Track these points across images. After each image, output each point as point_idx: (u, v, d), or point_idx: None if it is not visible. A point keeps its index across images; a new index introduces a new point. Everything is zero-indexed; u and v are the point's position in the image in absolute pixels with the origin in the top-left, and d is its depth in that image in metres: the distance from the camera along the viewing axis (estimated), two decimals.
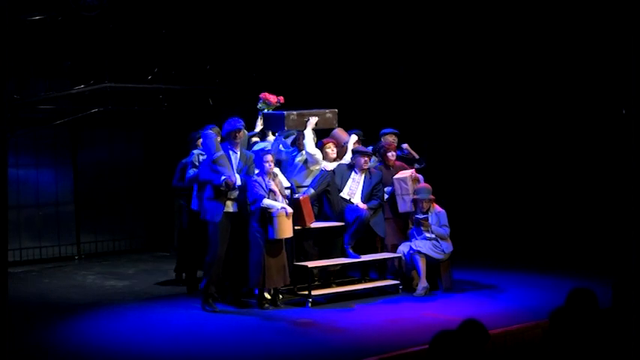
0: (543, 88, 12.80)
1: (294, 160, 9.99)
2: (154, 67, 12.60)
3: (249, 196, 9.03)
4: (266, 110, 10.01)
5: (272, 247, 9.01)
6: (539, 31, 12.56)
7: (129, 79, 12.49)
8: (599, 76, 12.00)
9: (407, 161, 10.48)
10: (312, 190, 9.72)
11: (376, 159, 10.36)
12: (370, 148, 10.37)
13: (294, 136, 10.18)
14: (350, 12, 13.28)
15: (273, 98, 10.01)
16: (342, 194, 9.89)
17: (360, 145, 10.22)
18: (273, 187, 9.05)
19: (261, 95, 10.06)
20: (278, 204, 8.94)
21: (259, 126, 10.09)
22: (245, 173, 9.12)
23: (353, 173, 9.95)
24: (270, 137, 10.13)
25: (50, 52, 12.07)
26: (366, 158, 9.93)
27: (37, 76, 12.43)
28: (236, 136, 9.17)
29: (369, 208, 9.83)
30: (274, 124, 9.86)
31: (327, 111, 10.01)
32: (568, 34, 12.31)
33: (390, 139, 10.47)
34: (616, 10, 11.06)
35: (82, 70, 12.35)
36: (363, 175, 9.95)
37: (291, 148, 10.11)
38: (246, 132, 9.78)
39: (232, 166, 9.07)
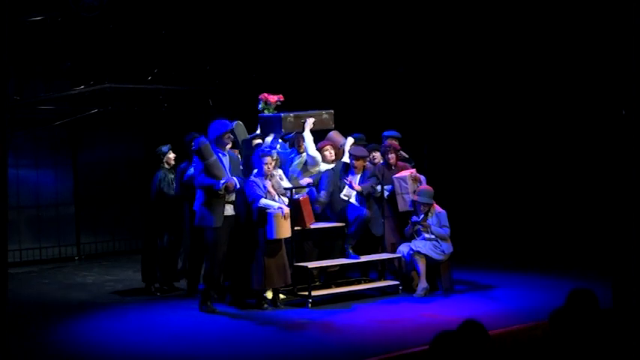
0: (543, 89, 12.80)
1: (292, 161, 9.98)
2: (154, 68, 12.60)
3: (247, 196, 9.03)
4: (266, 111, 9.99)
5: (271, 247, 9.01)
6: (539, 32, 12.56)
7: (129, 79, 12.49)
8: (599, 77, 11.99)
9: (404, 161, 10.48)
10: (324, 193, 9.69)
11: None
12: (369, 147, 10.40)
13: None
14: (349, 12, 13.28)
15: (273, 98, 9.98)
16: (341, 195, 9.88)
17: (359, 147, 10.20)
18: (270, 187, 9.05)
19: (261, 96, 10.02)
20: (275, 204, 8.94)
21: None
22: (237, 176, 9.09)
23: (350, 175, 9.90)
24: (268, 138, 10.08)
25: (50, 53, 12.07)
26: (363, 162, 9.90)
27: (37, 77, 12.44)
28: (225, 139, 9.12)
29: (365, 193, 9.76)
30: (271, 127, 9.82)
31: (323, 112, 10.00)
32: (568, 35, 12.31)
33: (394, 142, 10.53)
34: (615, 11, 11.06)
35: (82, 71, 12.35)
36: (359, 177, 9.92)
37: (289, 150, 10.10)
38: (247, 134, 9.78)
39: (226, 170, 9.03)
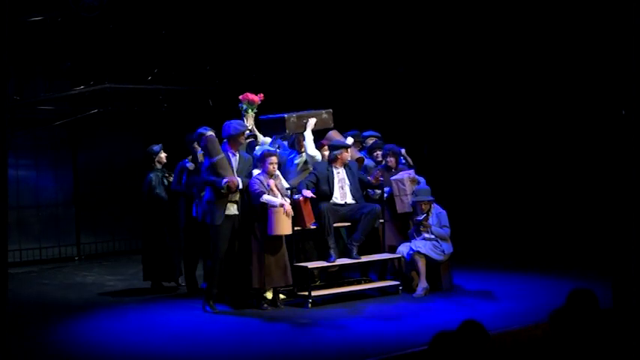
0: (543, 89, 12.81)
1: (292, 162, 9.97)
2: (154, 68, 12.61)
3: (250, 193, 9.04)
4: (250, 111, 9.94)
5: (272, 245, 9.00)
6: (539, 32, 12.56)
7: (129, 79, 12.51)
8: (599, 77, 12.00)
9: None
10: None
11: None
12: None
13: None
14: (349, 12, 13.29)
15: (256, 98, 9.93)
16: (334, 200, 9.72)
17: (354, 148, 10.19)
18: (273, 186, 9.05)
19: (242, 97, 9.90)
20: (277, 200, 8.95)
21: (249, 125, 10.00)
22: (245, 176, 9.11)
23: (334, 169, 9.80)
24: (266, 139, 10.05)
25: (50, 53, 12.09)
26: (347, 152, 9.83)
27: (37, 77, 12.45)
28: (240, 140, 9.16)
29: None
30: (275, 128, 9.83)
31: (323, 111, 10.03)
32: (567, 35, 12.32)
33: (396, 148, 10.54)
34: (615, 11, 11.06)
35: (82, 71, 12.37)
36: (345, 171, 9.83)
37: (289, 150, 10.09)
38: None
39: (233, 169, 9.05)
